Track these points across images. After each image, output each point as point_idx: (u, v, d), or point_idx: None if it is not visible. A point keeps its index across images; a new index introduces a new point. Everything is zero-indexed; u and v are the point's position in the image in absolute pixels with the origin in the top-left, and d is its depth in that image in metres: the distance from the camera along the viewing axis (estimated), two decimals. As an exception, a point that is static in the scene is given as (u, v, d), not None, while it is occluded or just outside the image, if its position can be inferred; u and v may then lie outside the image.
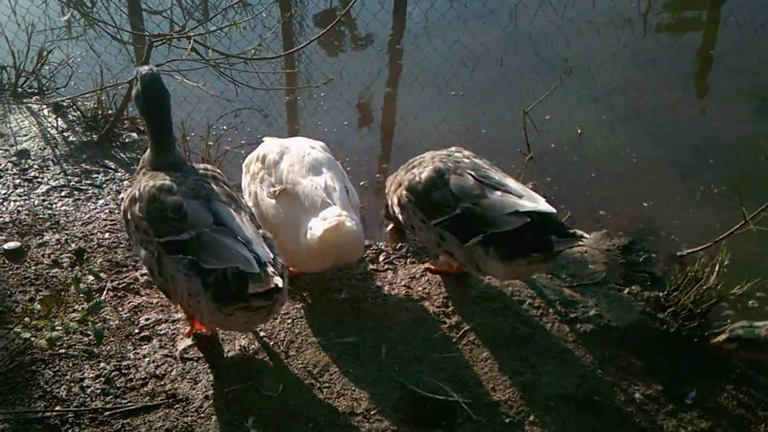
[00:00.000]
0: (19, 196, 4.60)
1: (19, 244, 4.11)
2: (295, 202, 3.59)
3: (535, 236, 3.28)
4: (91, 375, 3.34)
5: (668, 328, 3.86)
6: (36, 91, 5.87)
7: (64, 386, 3.28)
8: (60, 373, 3.34)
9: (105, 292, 3.83)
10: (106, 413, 3.17)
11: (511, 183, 3.51)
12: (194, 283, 2.94)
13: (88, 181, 4.84)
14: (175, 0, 7.48)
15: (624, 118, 5.74)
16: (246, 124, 5.73)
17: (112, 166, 5.04)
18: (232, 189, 3.32)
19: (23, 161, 4.96)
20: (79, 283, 3.21)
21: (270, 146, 3.89)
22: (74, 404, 3.20)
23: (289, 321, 3.69)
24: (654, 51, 6.58)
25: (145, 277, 3.92)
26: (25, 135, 5.27)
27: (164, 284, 3.11)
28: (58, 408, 3.17)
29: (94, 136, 5.31)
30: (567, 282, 4.11)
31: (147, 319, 3.66)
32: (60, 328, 3.10)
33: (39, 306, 3.12)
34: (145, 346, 3.52)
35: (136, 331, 3.61)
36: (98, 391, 3.27)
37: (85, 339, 3.52)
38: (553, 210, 3.33)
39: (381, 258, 4.28)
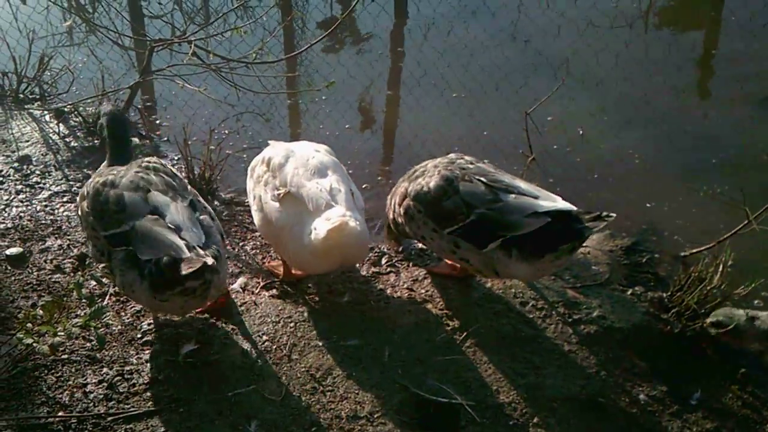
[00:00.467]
0: (21, 201, 4.60)
1: (21, 249, 4.11)
2: (299, 205, 3.58)
3: (560, 228, 3.25)
4: (93, 380, 3.34)
5: (672, 329, 3.84)
6: (38, 96, 5.88)
7: (66, 392, 3.28)
8: (63, 379, 3.34)
9: (107, 297, 3.83)
10: (109, 418, 3.16)
11: (522, 184, 3.49)
12: (128, 275, 3.10)
13: (90, 187, 4.84)
14: (176, 5, 7.50)
15: (626, 118, 5.73)
16: (248, 128, 5.73)
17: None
18: (173, 178, 3.46)
19: (25, 167, 4.96)
20: (81, 288, 3.21)
21: (275, 150, 3.88)
22: (77, 409, 3.20)
23: (292, 325, 3.68)
24: (656, 51, 6.58)
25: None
26: (27, 141, 5.28)
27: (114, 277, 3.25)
28: (61, 413, 3.16)
29: (96, 141, 5.31)
30: (570, 283, 4.09)
31: (149, 324, 3.65)
32: (62, 333, 3.10)
33: (41, 311, 3.11)
34: (147, 351, 3.51)
35: (139, 335, 3.60)
36: (101, 397, 3.26)
37: (88, 344, 3.52)
38: (573, 207, 3.30)
39: (383, 261, 4.27)
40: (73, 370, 3.38)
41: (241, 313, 3.73)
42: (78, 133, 5.42)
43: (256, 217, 3.82)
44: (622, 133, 5.57)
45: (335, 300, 3.91)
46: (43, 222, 4.42)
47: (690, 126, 5.66)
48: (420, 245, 4.33)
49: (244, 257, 4.30)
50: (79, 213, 3.41)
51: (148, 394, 3.29)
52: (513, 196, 3.40)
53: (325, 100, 6.04)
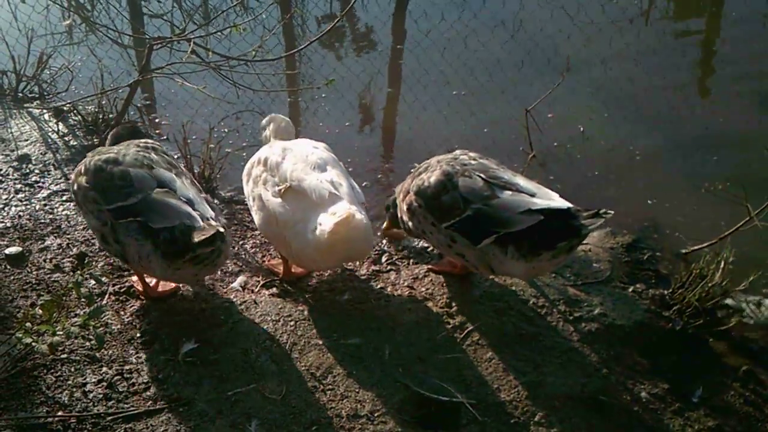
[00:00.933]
0: (21, 200, 4.59)
1: (20, 248, 4.10)
2: (302, 198, 3.55)
3: (557, 225, 3.22)
4: (93, 380, 3.33)
5: (674, 326, 3.83)
6: (37, 95, 5.87)
7: (66, 391, 3.27)
8: (62, 378, 3.33)
9: (106, 297, 3.81)
10: (109, 418, 3.15)
11: (522, 181, 3.47)
12: (144, 246, 3.25)
13: (90, 185, 4.83)
14: (175, 3, 7.48)
15: (626, 115, 5.72)
16: (247, 126, 5.71)
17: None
18: (172, 158, 3.66)
19: (24, 166, 4.95)
20: (80, 287, 3.20)
21: (270, 149, 3.86)
22: (76, 409, 3.19)
23: (292, 323, 3.67)
24: (656, 48, 6.56)
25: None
26: (26, 140, 5.27)
27: (118, 250, 3.38)
28: (60, 413, 3.15)
29: (95, 140, 5.30)
30: (571, 281, 4.08)
31: (149, 323, 3.64)
32: (61, 332, 3.09)
33: (40, 311, 3.10)
34: (147, 350, 3.50)
35: (138, 335, 3.59)
36: (100, 396, 3.25)
37: (87, 344, 3.50)
38: (569, 205, 3.25)
39: (384, 259, 4.26)
40: (72, 369, 3.37)
41: (241, 311, 3.72)
42: (77, 132, 5.41)
43: (258, 218, 3.78)
44: (622, 130, 5.56)
45: (335, 298, 3.90)
46: (43, 221, 4.40)
47: (691, 123, 5.65)
48: (421, 243, 4.32)
49: (243, 256, 4.28)
50: (75, 188, 3.52)
51: (148, 393, 3.28)
52: (509, 192, 3.38)
53: (324, 97, 6.03)
